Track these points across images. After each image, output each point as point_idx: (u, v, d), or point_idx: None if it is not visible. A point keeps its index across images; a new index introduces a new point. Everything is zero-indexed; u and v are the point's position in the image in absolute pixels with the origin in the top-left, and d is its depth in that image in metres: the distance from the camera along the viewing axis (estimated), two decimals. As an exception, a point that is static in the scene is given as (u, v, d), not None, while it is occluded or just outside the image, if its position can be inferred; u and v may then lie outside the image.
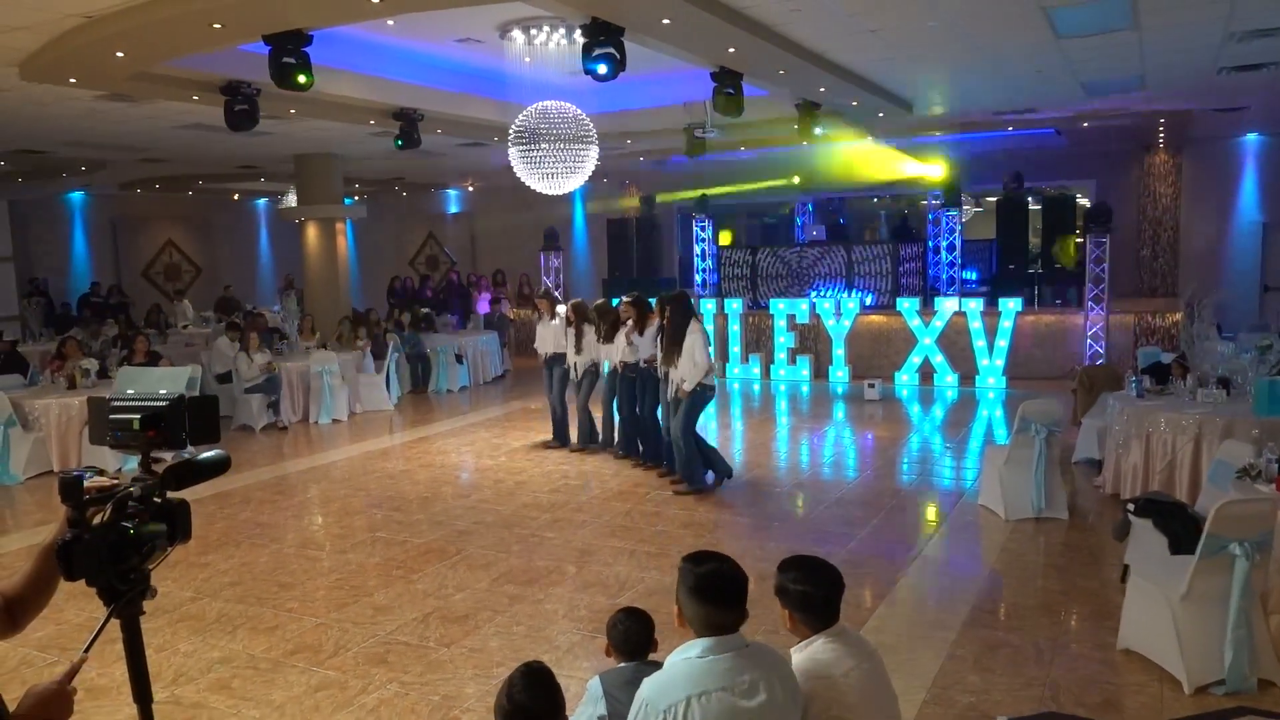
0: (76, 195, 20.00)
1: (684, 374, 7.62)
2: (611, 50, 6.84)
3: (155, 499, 1.80)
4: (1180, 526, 4.59)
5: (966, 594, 5.46)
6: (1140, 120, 13.07)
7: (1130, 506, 5.07)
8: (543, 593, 5.60)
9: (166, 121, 10.83)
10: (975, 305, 13.03)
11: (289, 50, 6.93)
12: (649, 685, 2.41)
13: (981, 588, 5.60)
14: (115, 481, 1.81)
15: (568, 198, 18.77)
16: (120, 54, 7.24)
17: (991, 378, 12.80)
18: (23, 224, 18.87)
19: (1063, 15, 7.27)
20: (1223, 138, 15.01)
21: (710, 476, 7.96)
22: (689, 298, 8.14)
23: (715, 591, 2.44)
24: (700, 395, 7.74)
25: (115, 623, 1.82)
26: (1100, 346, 12.72)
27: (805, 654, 2.65)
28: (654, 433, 8.53)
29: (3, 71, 7.89)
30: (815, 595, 2.66)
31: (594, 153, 8.69)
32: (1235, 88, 10.50)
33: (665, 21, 6.72)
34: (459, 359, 14.03)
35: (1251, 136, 14.93)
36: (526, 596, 5.54)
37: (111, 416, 1.88)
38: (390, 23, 7.87)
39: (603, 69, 6.86)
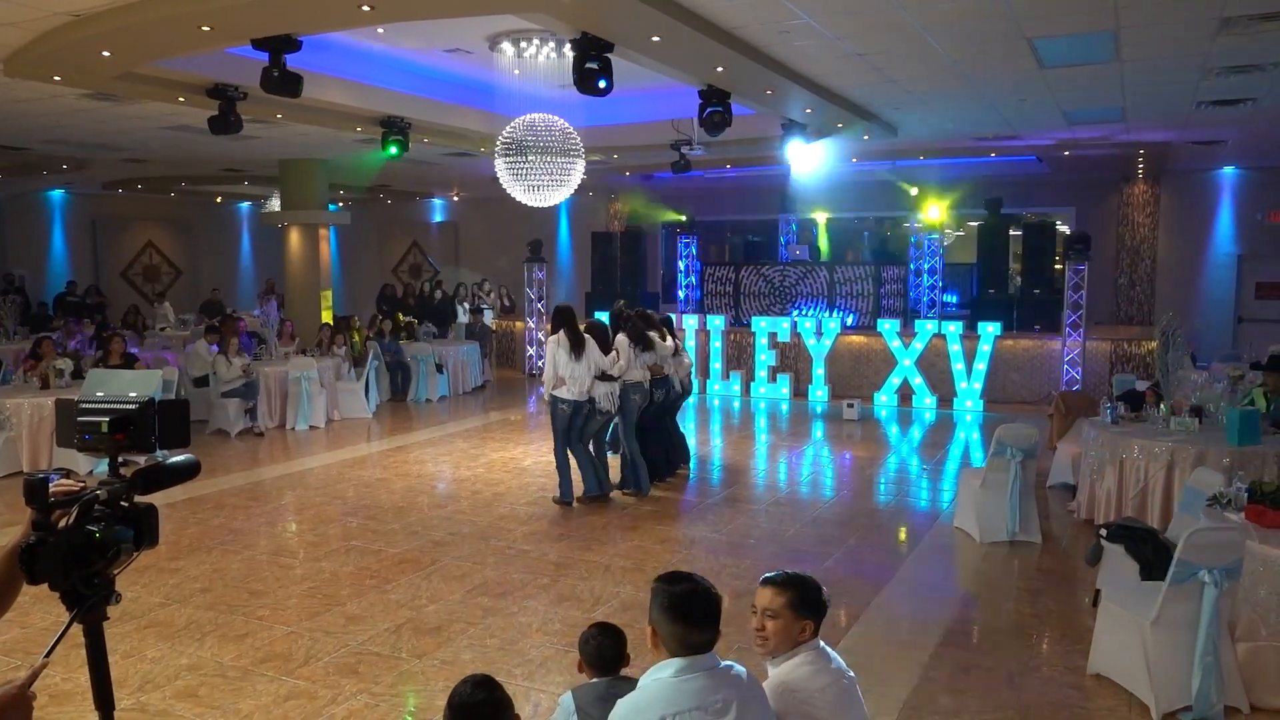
0: (57, 193, 19.81)
1: None
2: (601, 67, 6.88)
3: (122, 503, 1.78)
4: (1151, 552, 4.63)
5: (940, 616, 5.48)
6: (1120, 150, 13.25)
7: (1103, 532, 5.10)
8: (517, 605, 5.57)
9: (151, 122, 10.76)
10: (955, 328, 13.14)
11: (282, 56, 6.91)
12: (623, 706, 2.40)
13: (955, 610, 5.62)
14: (82, 484, 1.79)
15: (553, 210, 18.79)
16: (106, 53, 7.19)
17: (969, 400, 12.89)
18: (1, 221, 18.68)
19: (1047, 46, 7.37)
20: (1200, 170, 15.24)
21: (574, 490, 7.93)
22: (567, 310, 7.97)
23: (689, 610, 2.43)
24: (553, 408, 7.82)
25: (80, 627, 1.79)
26: (1077, 372, 12.84)
27: (784, 668, 2.66)
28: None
29: (-14, 68, 7.83)
30: (827, 602, 2.76)
31: (580, 166, 8.70)
32: (1213, 121, 10.67)
33: (655, 39, 6.75)
34: (439, 368, 13.98)
35: (1228, 170, 15.17)
36: (500, 609, 5.51)
37: (79, 419, 1.86)
38: (380, 30, 7.88)
39: (602, 84, 6.91)
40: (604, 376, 7.86)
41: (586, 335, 7.84)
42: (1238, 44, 7.18)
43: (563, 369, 7.69)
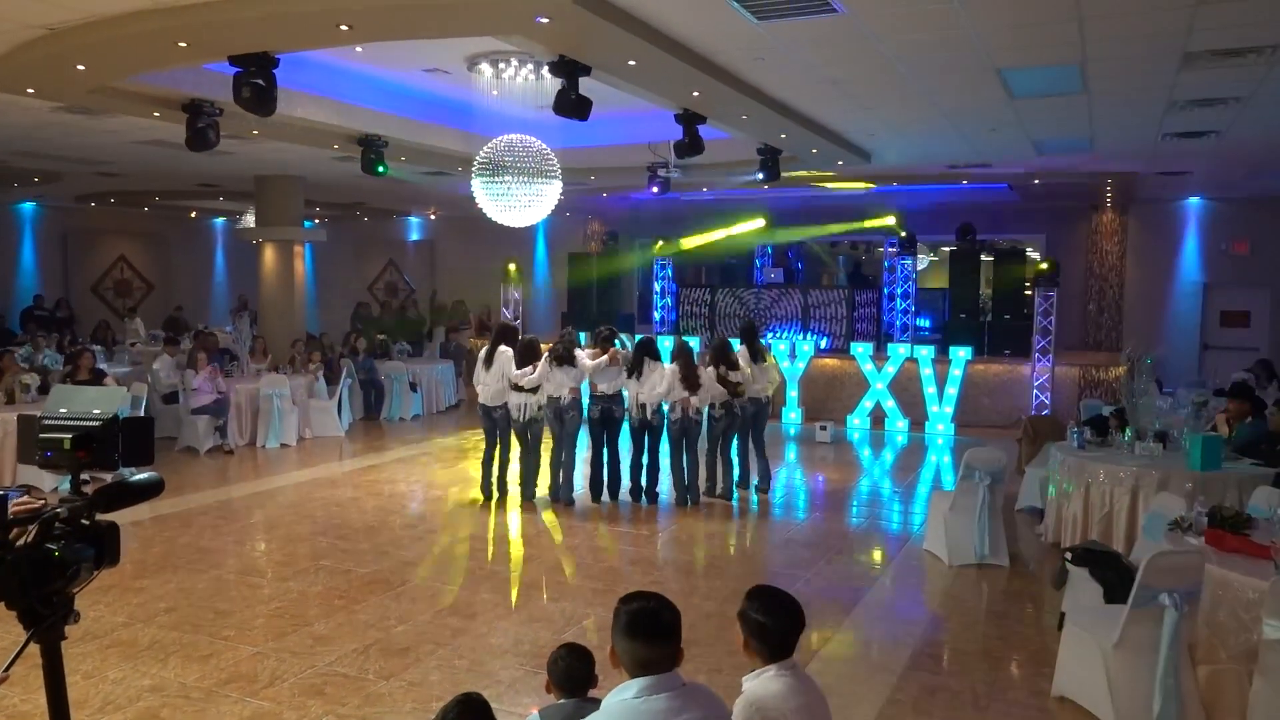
0: (27, 206, 19.59)
1: None
2: (580, 92, 6.96)
3: (83, 521, 1.77)
4: (1115, 576, 4.69)
5: (909, 638, 5.51)
6: (1089, 179, 13.49)
7: (1068, 555, 5.17)
8: (486, 626, 5.54)
9: (126, 136, 10.69)
10: (927, 352, 13.27)
11: (255, 74, 6.90)
12: None
13: (923, 632, 5.65)
14: (42, 501, 1.78)
15: (530, 230, 18.82)
16: (81, 67, 7.16)
17: (941, 424, 13.00)
18: (-31, 233, 18.46)
19: (1016, 77, 7.52)
20: (1167, 200, 15.55)
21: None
22: (500, 327, 9.12)
23: (642, 627, 2.45)
24: None
25: (39, 647, 1.77)
26: (1046, 397, 12.99)
27: (756, 683, 2.67)
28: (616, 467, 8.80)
29: (-43, 79, 7.76)
30: (771, 629, 2.69)
31: (556, 187, 8.74)
32: (1178, 153, 10.91)
33: (631, 63, 6.82)
34: (413, 387, 13.92)
35: (1194, 200, 15.49)
36: (470, 630, 5.48)
37: (41, 435, 1.84)
38: (358, 49, 7.89)
39: (582, 109, 6.99)
40: (516, 388, 8.48)
41: (505, 348, 8.55)
42: (1201, 78, 7.37)
43: (478, 375, 8.64)
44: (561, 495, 8.62)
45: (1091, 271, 16.07)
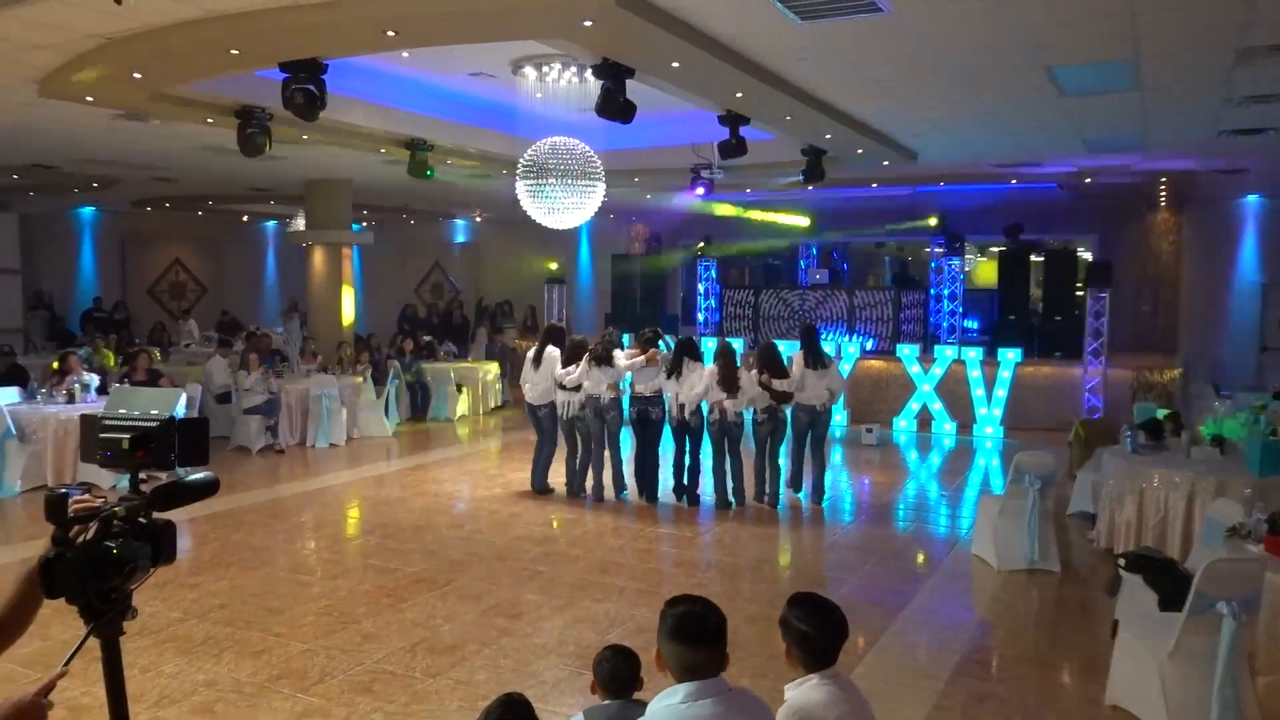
0: (87, 211, 20.17)
1: None
2: (624, 95, 6.98)
3: (140, 519, 1.81)
4: (1170, 583, 4.58)
5: (956, 643, 5.43)
6: (1143, 178, 13.20)
7: (1121, 561, 5.06)
8: (531, 626, 5.58)
9: (181, 142, 10.96)
10: (975, 354, 13.06)
11: (304, 79, 7.03)
12: None
13: (972, 638, 5.57)
14: (101, 500, 1.83)
15: (574, 232, 18.92)
16: (138, 75, 7.35)
17: (989, 427, 12.80)
18: (31, 237, 19.02)
19: (1066, 73, 7.38)
20: (1224, 198, 15.14)
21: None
22: (549, 328, 9.43)
23: (687, 631, 2.44)
24: None
25: (98, 641, 1.82)
26: (1098, 400, 12.72)
27: (799, 692, 2.65)
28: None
29: (22, 88, 8.01)
30: (814, 638, 2.68)
31: (600, 189, 8.77)
32: (1235, 150, 10.62)
33: (675, 65, 6.83)
34: (459, 388, 14.05)
35: (1252, 198, 15.06)
36: (515, 630, 5.52)
37: (101, 435, 1.90)
38: (405, 55, 8.00)
39: (626, 111, 7.03)
40: (562, 387, 8.72)
41: (553, 349, 8.83)
42: (1258, 73, 7.17)
43: (526, 374, 8.92)
44: (604, 495, 8.65)
45: (1145, 271, 15.70)
